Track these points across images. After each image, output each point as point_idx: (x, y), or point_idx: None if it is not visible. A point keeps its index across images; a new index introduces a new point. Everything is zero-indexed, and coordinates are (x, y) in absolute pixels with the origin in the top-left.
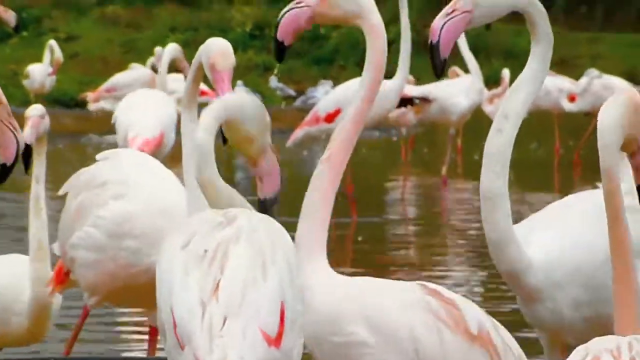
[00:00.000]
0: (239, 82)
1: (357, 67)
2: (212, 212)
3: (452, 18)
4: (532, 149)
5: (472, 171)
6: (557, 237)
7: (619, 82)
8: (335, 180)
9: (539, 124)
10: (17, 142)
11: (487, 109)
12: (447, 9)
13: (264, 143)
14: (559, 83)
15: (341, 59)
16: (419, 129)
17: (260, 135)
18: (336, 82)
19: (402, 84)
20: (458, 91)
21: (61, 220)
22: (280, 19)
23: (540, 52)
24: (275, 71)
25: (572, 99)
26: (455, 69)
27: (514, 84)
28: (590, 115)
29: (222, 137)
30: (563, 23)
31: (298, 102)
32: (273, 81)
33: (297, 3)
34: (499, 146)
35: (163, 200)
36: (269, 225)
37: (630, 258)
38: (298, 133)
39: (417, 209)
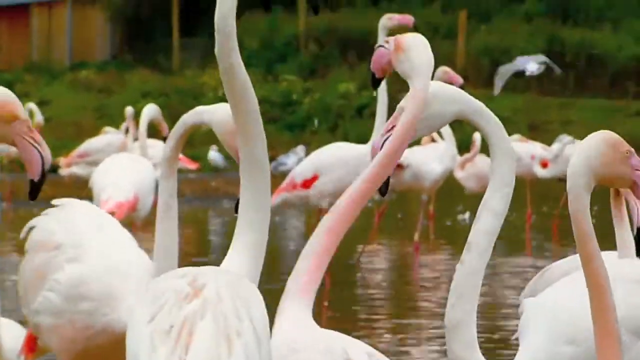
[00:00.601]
0: (213, 147)
1: (329, 133)
2: (180, 276)
3: (382, 47)
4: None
5: (445, 237)
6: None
7: None
8: (340, 230)
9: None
10: (42, 157)
11: (459, 174)
12: (387, 125)
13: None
14: (531, 149)
15: (313, 124)
16: (392, 194)
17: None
18: (309, 147)
19: None
20: (431, 157)
21: (19, 285)
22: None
23: (499, 170)
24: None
25: (544, 165)
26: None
27: (477, 212)
28: (563, 181)
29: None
30: (535, 88)
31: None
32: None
33: (390, 130)
34: (458, 277)
35: (118, 261)
36: (238, 289)
37: (612, 311)
38: (275, 199)
39: (388, 275)
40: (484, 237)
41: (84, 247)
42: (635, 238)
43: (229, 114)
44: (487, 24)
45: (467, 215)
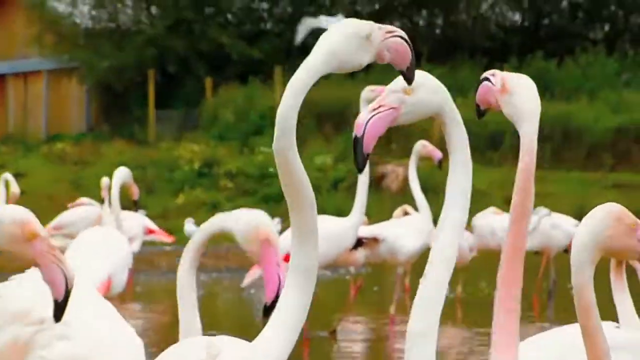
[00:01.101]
0: (189, 219)
1: None
2: (198, 345)
3: (378, 113)
4: (481, 287)
5: None
6: None
7: (568, 221)
8: (510, 299)
9: (488, 264)
10: (65, 276)
11: None
12: (374, 104)
13: (371, 55)
14: (506, 222)
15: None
16: (368, 268)
17: (365, 54)
18: (285, 220)
19: (360, 222)
20: (407, 232)
21: None
22: (363, 132)
23: (456, 180)
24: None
25: None
26: (406, 207)
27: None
28: (539, 254)
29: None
30: (511, 162)
31: None
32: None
33: (377, 108)
34: (422, 291)
35: (107, 337)
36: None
37: None
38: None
39: (364, 347)
40: (447, 249)
41: (72, 325)
42: None
43: (252, 222)
44: (462, 97)
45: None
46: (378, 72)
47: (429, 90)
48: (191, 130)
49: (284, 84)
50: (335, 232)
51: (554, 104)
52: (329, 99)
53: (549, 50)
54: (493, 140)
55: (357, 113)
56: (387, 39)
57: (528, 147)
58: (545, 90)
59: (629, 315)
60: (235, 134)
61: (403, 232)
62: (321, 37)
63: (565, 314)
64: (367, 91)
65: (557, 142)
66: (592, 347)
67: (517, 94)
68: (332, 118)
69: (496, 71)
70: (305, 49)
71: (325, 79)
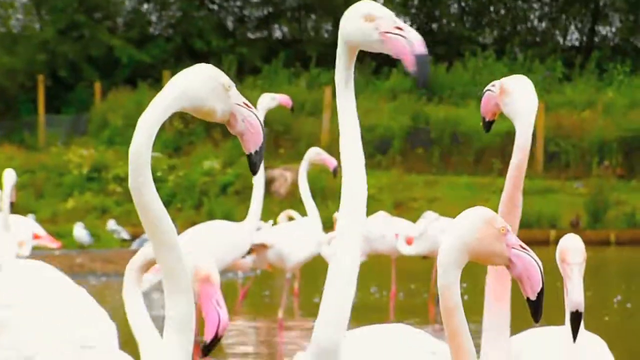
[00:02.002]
0: (78, 224)
1: (194, 210)
2: None
3: (488, 91)
4: (372, 292)
5: (311, 314)
6: None
7: None
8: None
9: (377, 268)
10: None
11: (324, 251)
12: (493, 82)
13: (225, 106)
14: (396, 226)
15: (178, 201)
16: (257, 271)
17: (218, 103)
18: (177, 224)
19: (255, 227)
20: (296, 240)
21: None
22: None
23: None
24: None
25: (409, 242)
26: (290, 212)
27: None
28: (428, 259)
29: (249, 166)
30: (400, 165)
31: (134, 245)
32: (110, 224)
33: (492, 85)
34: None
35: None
36: None
37: None
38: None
39: (252, 351)
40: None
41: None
42: (571, 322)
43: (191, 262)
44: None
45: None
46: (265, 76)
47: (513, 100)
48: (81, 135)
49: None
50: (232, 238)
51: (443, 108)
52: None
53: (439, 54)
54: (382, 145)
55: None
56: (245, 108)
57: (522, 144)
58: (433, 94)
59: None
60: (124, 138)
61: (292, 240)
62: (177, 74)
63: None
64: (268, 98)
65: (445, 146)
66: (457, 348)
67: (513, 93)
68: (220, 123)
69: (497, 81)
70: (194, 53)
71: None
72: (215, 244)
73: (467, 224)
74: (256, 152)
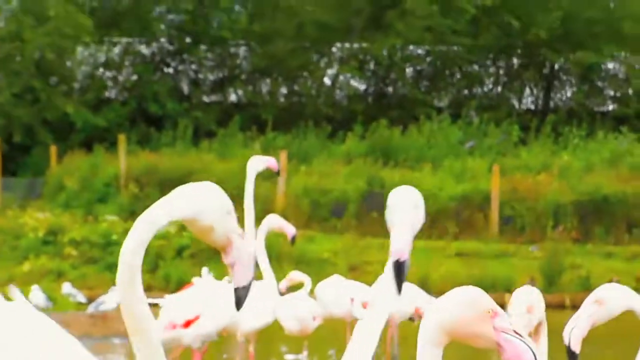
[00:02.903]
0: (35, 287)
1: (150, 274)
2: None
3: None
4: (329, 355)
5: None
6: None
7: (412, 289)
8: None
9: (332, 332)
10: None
11: (279, 314)
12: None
13: (226, 230)
14: (351, 290)
15: None
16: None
17: (219, 224)
18: None
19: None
20: (251, 307)
21: None
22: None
23: None
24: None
25: (364, 306)
26: None
27: None
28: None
29: (234, 300)
30: (355, 228)
31: (90, 309)
32: (66, 287)
33: (577, 321)
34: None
35: None
36: None
37: None
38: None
39: None
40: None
41: None
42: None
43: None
44: (307, 165)
45: (302, 355)
46: (220, 140)
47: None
48: (37, 199)
49: (129, 152)
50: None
51: (398, 172)
52: (172, 168)
53: (393, 117)
54: (337, 208)
55: (199, 181)
56: (241, 239)
57: None
58: (389, 158)
59: None
60: (80, 202)
61: (247, 307)
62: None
63: None
64: (257, 161)
65: None
66: None
67: (614, 294)
68: (176, 186)
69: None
70: (149, 117)
71: (170, 147)
72: (214, 302)
73: (448, 304)
74: (244, 287)
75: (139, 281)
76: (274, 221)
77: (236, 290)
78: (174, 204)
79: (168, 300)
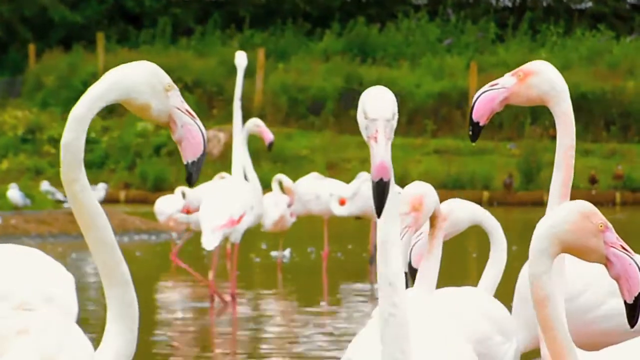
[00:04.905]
0: (13, 185)
1: (127, 171)
2: None
3: (490, 90)
4: (309, 252)
5: (241, 278)
6: None
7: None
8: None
9: (311, 228)
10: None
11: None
12: (490, 83)
13: (165, 107)
14: (329, 186)
15: (111, 163)
16: (191, 233)
17: (155, 100)
18: (106, 185)
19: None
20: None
21: None
22: (475, 100)
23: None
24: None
25: (342, 202)
26: (224, 174)
27: None
28: (361, 219)
29: (186, 176)
30: (333, 126)
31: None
32: (44, 185)
33: (493, 85)
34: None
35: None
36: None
37: None
38: (219, 233)
39: (182, 314)
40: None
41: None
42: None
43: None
44: (285, 62)
45: (286, 251)
46: (198, 38)
47: (543, 80)
48: (15, 97)
49: (107, 50)
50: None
51: (376, 69)
52: None
53: (371, 15)
54: (315, 106)
55: (178, 79)
56: (187, 115)
57: (570, 125)
58: (367, 55)
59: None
60: (59, 100)
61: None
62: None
63: None
64: (252, 124)
65: None
66: (551, 341)
67: (544, 72)
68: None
69: (500, 79)
70: (127, 14)
71: (149, 44)
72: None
73: (562, 214)
74: (193, 162)
75: (83, 173)
76: (253, 125)
77: (186, 166)
78: (101, 88)
79: (208, 197)
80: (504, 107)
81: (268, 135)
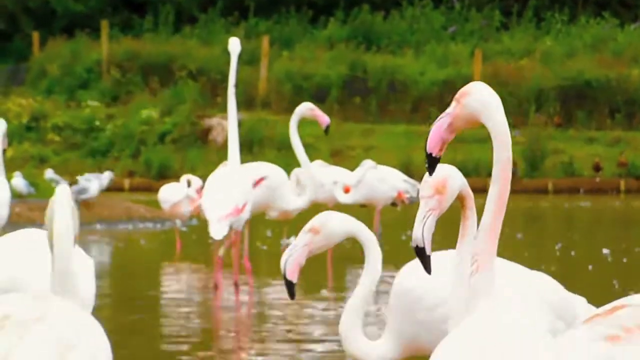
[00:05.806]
0: (17, 173)
1: (132, 159)
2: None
3: (439, 119)
4: None
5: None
6: None
7: (394, 174)
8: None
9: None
10: None
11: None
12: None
13: None
14: (333, 174)
15: (115, 150)
16: (195, 220)
17: None
18: (115, 172)
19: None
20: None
21: None
22: (429, 133)
23: None
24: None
25: (346, 190)
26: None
27: None
28: (365, 207)
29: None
30: (337, 114)
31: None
32: (48, 173)
33: (440, 118)
34: None
35: None
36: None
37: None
38: (225, 222)
39: (188, 296)
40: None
41: None
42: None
43: None
44: (289, 50)
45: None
46: (202, 26)
47: (474, 99)
48: (19, 85)
49: (111, 38)
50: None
51: (381, 57)
52: (154, 54)
53: (375, 3)
54: (319, 94)
55: (182, 67)
56: None
57: (504, 139)
58: (371, 43)
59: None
60: (62, 88)
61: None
62: None
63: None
64: (305, 108)
65: (383, 95)
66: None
67: (472, 91)
68: (158, 72)
69: (447, 111)
70: (131, 3)
71: (152, 33)
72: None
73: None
74: None
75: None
76: (307, 109)
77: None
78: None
79: (208, 186)
80: (508, 94)
81: (324, 119)
